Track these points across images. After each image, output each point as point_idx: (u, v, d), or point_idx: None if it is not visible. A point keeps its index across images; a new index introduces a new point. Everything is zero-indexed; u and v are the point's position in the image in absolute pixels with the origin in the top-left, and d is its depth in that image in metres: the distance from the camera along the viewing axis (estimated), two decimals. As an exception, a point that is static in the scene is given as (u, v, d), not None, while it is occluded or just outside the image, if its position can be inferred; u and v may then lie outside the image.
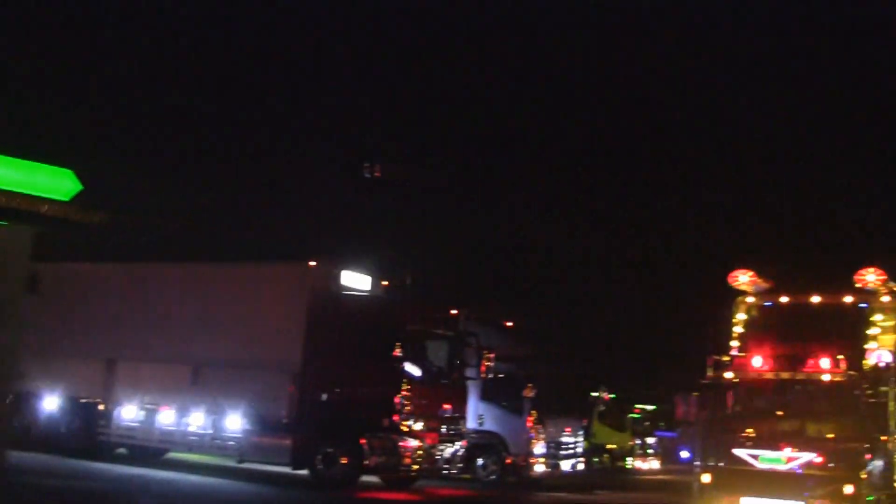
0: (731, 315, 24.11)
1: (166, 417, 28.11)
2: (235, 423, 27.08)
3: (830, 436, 21.86)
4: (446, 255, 49.84)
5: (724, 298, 24.27)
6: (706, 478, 21.90)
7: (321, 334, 26.92)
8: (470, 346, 28.34)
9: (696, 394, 23.70)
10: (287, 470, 27.07)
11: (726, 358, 23.01)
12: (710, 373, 22.68)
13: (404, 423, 25.68)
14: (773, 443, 21.73)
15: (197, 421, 27.72)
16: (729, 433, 22.42)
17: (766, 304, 24.14)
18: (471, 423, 30.02)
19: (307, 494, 26.24)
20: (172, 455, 30.12)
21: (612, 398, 42.17)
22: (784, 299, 23.96)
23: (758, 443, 21.85)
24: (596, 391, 38.67)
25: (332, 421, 26.64)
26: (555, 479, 31.99)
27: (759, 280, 24.01)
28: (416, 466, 26.25)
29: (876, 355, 22.24)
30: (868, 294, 23.45)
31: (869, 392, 21.55)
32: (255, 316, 27.82)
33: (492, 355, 28.36)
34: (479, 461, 30.73)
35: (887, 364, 22.23)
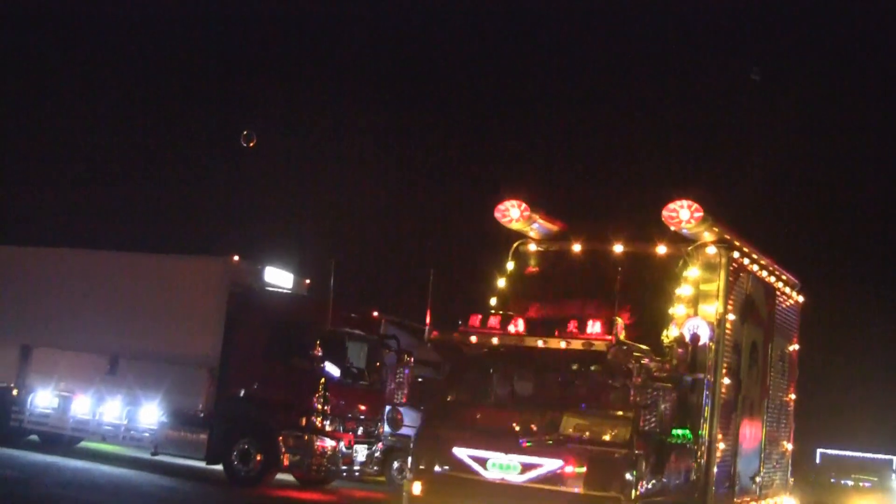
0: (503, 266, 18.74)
1: (81, 406, 27.16)
2: (151, 414, 26.28)
3: (591, 435, 15.25)
4: (370, 257, 49.80)
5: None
6: (417, 488, 15.98)
7: (241, 330, 26.28)
8: (390, 348, 27.40)
9: (405, 367, 19.28)
10: (201, 464, 26.25)
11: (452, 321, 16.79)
12: (429, 339, 16.83)
13: (321, 422, 25.05)
14: (507, 442, 15.37)
15: (112, 411, 26.78)
16: (449, 426, 16.19)
17: (549, 251, 18.54)
18: (387, 426, 31.30)
19: (220, 490, 25.18)
20: (85, 444, 29.11)
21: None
22: (576, 247, 18.20)
23: (487, 441, 15.53)
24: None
25: (248, 417, 25.87)
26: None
27: (538, 217, 18.32)
28: (331, 466, 25.50)
29: (690, 326, 16.22)
30: (687, 242, 17.49)
31: (664, 375, 15.78)
32: (176, 308, 27.05)
33: (411, 359, 29.10)
34: (395, 464, 29.53)
35: (695, 337, 15.91)
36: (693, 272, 17.25)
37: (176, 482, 25.54)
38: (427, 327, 16.48)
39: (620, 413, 15.16)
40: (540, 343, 15.70)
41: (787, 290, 21.67)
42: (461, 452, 15.51)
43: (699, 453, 16.76)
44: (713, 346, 16.75)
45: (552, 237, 18.64)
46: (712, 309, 17.20)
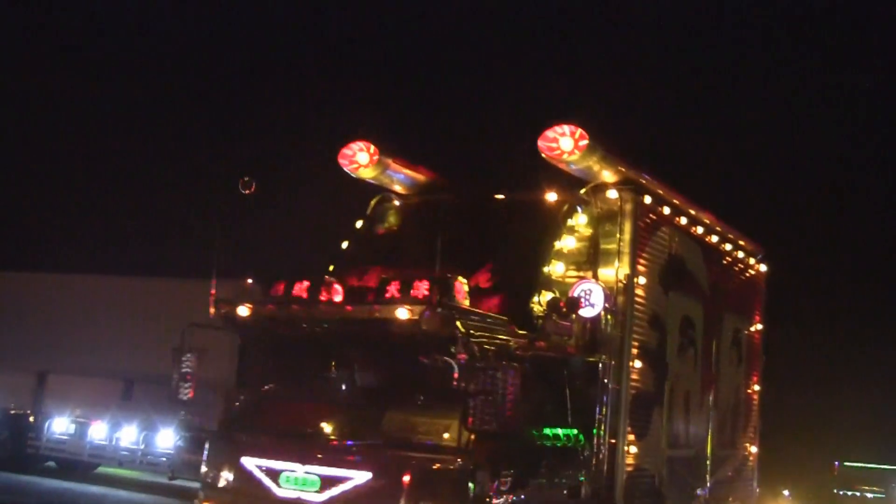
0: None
1: (97, 431, 26.64)
2: (167, 439, 25.56)
3: (414, 437, 10.75)
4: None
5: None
6: None
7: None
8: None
9: (192, 354, 14.14)
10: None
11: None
12: (213, 311, 13.11)
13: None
14: (305, 449, 11.08)
15: (128, 436, 26.20)
16: (241, 429, 12.20)
17: (412, 205, 14.24)
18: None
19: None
20: (102, 469, 28.45)
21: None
22: (443, 198, 13.52)
23: (281, 449, 11.27)
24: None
25: (264, 438, 27.51)
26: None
27: (393, 162, 14.07)
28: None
29: (581, 290, 11.94)
30: (586, 187, 12.84)
31: (529, 354, 11.16)
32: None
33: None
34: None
35: (573, 303, 11.59)
36: (582, 220, 12.74)
37: (193, 506, 25.19)
38: (211, 299, 13.17)
39: (453, 406, 10.64)
40: (338, 312, 11.37)
41: (741, 255, 16.96)
42: (250, 463, 11.45)
43: (597, 459, 12.27)
44: (611, 319, 12.25)
45: (420, 189, 14.49)
46: (614, 267, 12.77)
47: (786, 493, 25.41)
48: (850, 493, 27.57)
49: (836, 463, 27.63)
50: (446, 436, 10.51)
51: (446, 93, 46.97)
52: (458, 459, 10.34)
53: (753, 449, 17.41)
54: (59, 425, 27.41)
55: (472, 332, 10.50)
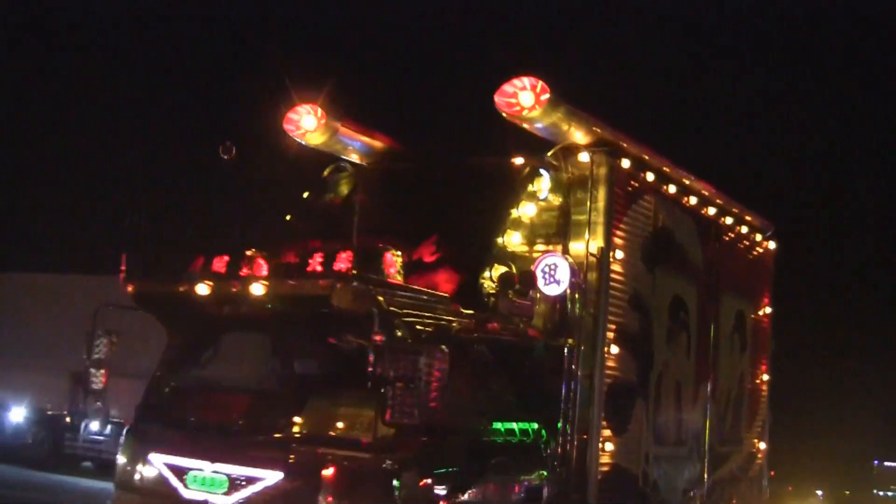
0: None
1: None
2: None
3: (333, 430, 9.18)
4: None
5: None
6: None
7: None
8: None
9: (105, 338, 12.64)
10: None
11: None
12: (130, 289, 11.51)
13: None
14: (214, 445, 9.63)
15: None
16: (150, 422, 10.79)
17: (366, 173, 12.66)
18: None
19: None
20: None
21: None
22: (396, 166, 12.64)
23: (189, 444, 9.86)
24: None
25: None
26: None
27: (342, 126, 12.38)
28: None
29: (545, 265, 10.66)
30: (554, 149, 11.10)
31: (477, 337, 9.96)
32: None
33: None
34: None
35: (527, 277, 10.27)
36: (550, 187, 11.21)
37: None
38: (121, 276, 11.73)
39: (368, 394, 9.02)
40: (252, 289, 9.81)
41: (746, 231, 15.24)
42: (158, 460, 10.11)
43: (564, 456, 10.84)
44: (578, 297, 10.79)
45: (378, 157, 12.96)
46: (584, 240, 11.21)
47: (819, 493, 24.97)
48: (889, 493, 26.31)
49: (876, 462, 27.04)
50: (363, 430, 8.98)
51: (418, 61, 44.25)
52: (378, 458, 8.95)
53: (762, 445, 15.72)
54: (96, 426, 27.61)
55: (397, 309, 9.03)
